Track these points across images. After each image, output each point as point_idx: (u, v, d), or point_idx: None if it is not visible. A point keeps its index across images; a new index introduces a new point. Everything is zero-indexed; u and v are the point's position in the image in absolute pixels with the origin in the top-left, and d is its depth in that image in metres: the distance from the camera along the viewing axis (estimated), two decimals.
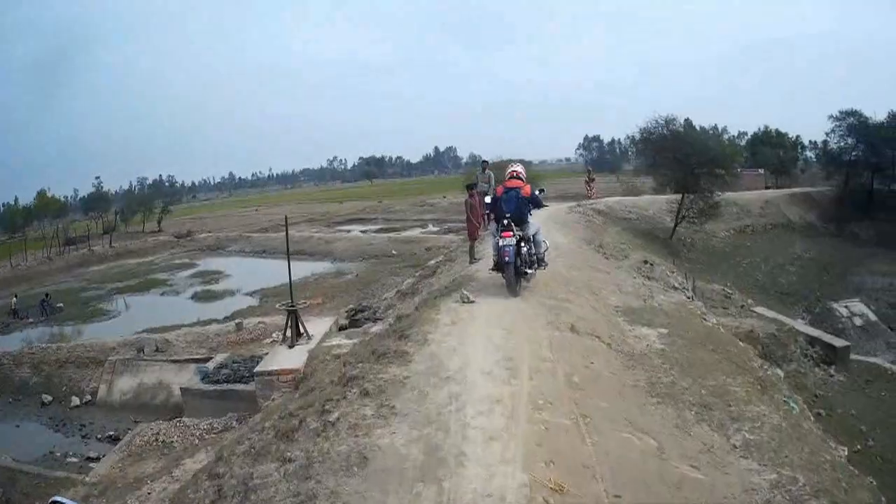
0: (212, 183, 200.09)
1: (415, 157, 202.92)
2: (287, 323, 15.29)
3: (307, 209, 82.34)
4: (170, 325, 24.82)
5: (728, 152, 30.21)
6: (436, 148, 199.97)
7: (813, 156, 53.98)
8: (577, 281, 13.52)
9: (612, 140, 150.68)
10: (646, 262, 19.28)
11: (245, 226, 65.52)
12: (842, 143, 39.71)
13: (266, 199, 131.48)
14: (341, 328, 17.53)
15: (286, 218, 16.72)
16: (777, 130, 56.42)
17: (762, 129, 58.29)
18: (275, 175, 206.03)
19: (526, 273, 11.06)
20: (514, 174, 11.27)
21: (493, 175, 18.33)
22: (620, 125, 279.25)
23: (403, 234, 48.18)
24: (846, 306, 23.90)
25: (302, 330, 15.28)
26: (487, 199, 11.87)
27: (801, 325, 19.18)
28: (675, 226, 28.29)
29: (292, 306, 15.26)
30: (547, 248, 11.75)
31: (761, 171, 50.69)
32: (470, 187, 16.84)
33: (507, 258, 10.53)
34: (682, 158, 27.57)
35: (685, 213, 27.95)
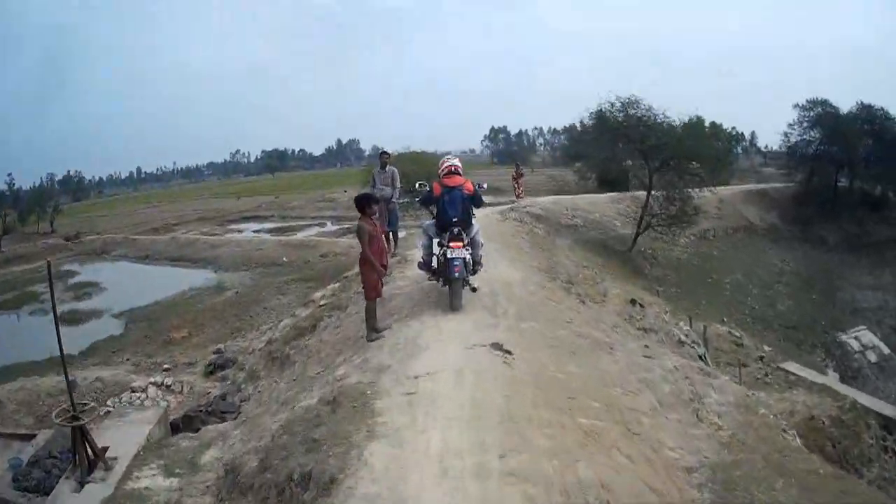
0: (120, 178, 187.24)
1: (318, 150, 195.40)
2: (74, 444, 8.24)
3: (204, 205, 75.09)
4: (12, 366, 18.82)
5: (709, 144, 25.21)
6: (338, 140, 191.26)
7: (760, 154, 49.26)
8: (582, 391, 6.62)
9: (520, 131, 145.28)
10: (633, 301, 13.59)
11: (136, 225, 58.66)
12: (806, 136, 35.16)
13: (167, 194, 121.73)
14: (174, 427, 10.33)
15: (49, 265, 8.70)
16: (712, 122, 49.57)
17: (693, 118, 51.51)
18: (179, 169, 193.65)
19: (473, 288, 9.74)
20: (453, 168, 9.52)
21: (396, 172, 13.96)
22: (529, 117, 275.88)
23: (298, 237, 42.10)
24: (856, 337, 21.16)
25: (93, 453, 8.20)
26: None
27: (864, 399, 14.51)
28: (637, 235, 21.82)
29: (76, 417, 8.06)
30: (482, 245, 9.87)
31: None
32: (364, 202, 8.76)
33: (456, 273, 8.91)
34: (647, 150, 21.20)
35: (650, 220, 21.41)
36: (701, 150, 21.98)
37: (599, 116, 22.82)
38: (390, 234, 13.58)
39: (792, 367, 16.34)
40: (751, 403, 8.76)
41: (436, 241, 9.33)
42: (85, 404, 9.33)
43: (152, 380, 13.82)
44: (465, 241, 9.08)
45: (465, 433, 5.23)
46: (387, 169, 13.60)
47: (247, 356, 14.19)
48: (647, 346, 9.60)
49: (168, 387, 13.60)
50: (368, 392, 6.15)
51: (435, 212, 9.40)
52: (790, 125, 35.73)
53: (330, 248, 32.76)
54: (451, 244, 8.99)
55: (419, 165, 24.76)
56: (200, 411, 10.88)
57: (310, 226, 48.87)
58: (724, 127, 49.30)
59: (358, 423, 5.52)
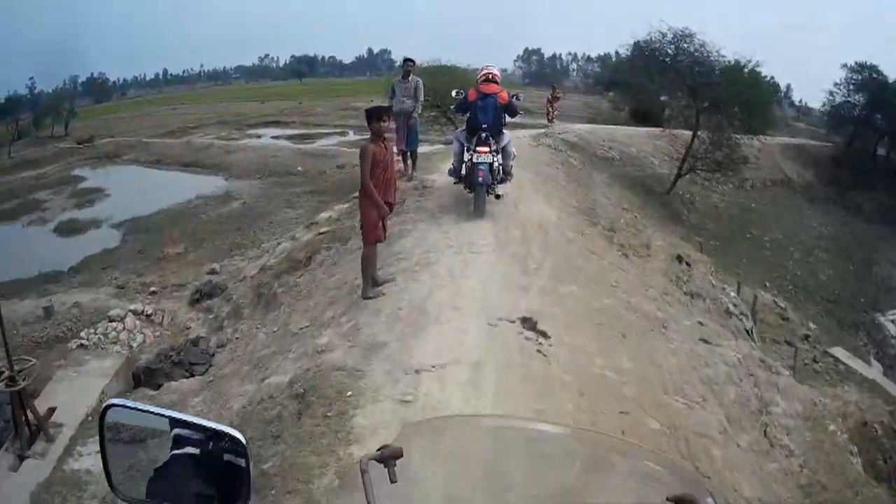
0: (145, 80, 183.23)
1: (348, 58, 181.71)
2: (13, 411, 7.22)
3: (226, 109, 71.57)
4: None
5: (765, 90, 22.20)
6: (369, 49, 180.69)
7: (793, 108, 46.48)
8: (638, 401, 4.98)
9: (554, 55, 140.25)
10: (679, 258, 11.92)
11: (154, 128, 54.97)
12: (851, 99, 32.80)
13: (192, 96, 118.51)
14: (136, 378, 9.71)
15: None
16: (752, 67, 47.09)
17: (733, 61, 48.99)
18: (206, 72, 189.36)
19: (497, 195, 9.40)
20: (490, 76, 9.36)
21: (420, 83, 12.10)
22: (563, 40, 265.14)
23: (317, 144, 39.88)
24: (892, 320, 19.27)
25: (34, 421, 7.24)
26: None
27: None
28: (678, 177, 19.73)
29: (13, 379, 6.96)
30: (514, 156, 9.68)
31: None
32: (373, 115, 6.62)
33: (480, 178, 8.86)
34: (696, 88, 19.05)
35: (693, 163, 19.35)
36: (751, 95, 19.56)
37: (647, 46, 20.45)
38: (408, 153, 12.00)
39: (840, 353, 15.28)
40: (818, 415, 7.97)
41: (466, 147, 9.24)
42: (27, 360, 7.79)
43: (132, 307, 12.08)
44: (493, 147, 9.03)
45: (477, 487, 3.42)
46: (410, 79, 11.81)
47: (237, 284, 12.61)
48: (701, 324, 7.98)
49: (148, 316, 11.92)
50: (350, 391, 4.44)
51: (467, 118, 9.35)
52: (836, 84, 33.39)
53: (348, 159, 29.58)
54: (478, 149, 8.97)
55: (449, 78, 22.67)
56: (169, 357, 9.45)
57: (331, 134, 46.73)
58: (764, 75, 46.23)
59: (324, 452, 3.85)
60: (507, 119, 9.41)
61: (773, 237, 20.76)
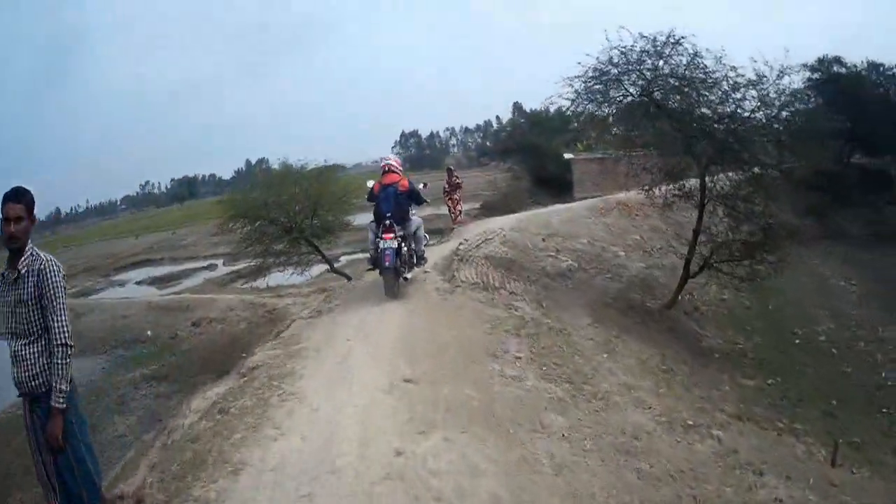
0: (40, 221, 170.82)
1: (227, 174, 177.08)
2: None
3: (99, 250, 63.36)
4: None
5: None
6: (247, 161, 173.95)
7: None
8: None
9: (431, 134, 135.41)
10: None
11: None
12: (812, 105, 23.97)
13: (81, 236, 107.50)
14: None
15: None
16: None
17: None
18: (93, 207, 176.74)
19: (405, 277, 9.58)
20: (388, 168, 10.00)
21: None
22: (439, 118, 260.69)
23: (182, 285, 33.64)
24: None
25: None
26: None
27: None
28: (685, 281, 11.89)
29: None
30: (427, 241, 10.56)
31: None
32: None
33: (387, 263, 9.23)
34: (702, 131, 10.85)
35: (709, 255, 11.50)
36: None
37: (603, 75, 10.97)
38: None
39: None
40: None
41: (375, 235, 9.61)
42: None
43: None
44: (398, 233, 9.33)
45: None
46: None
47: None
48: None
49: None
50: None
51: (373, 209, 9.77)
52: (794, 94, 26.00)
53: (205, 312, 22.33)
54: (383, 235, 9.34)
55: (334, 184, 17.19)
56: None
57: (198, 270, 39.60)
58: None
59: None
60: (415, 206, 9.88)
61: (822, 327, 13.55)
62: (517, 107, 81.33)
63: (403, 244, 9.43)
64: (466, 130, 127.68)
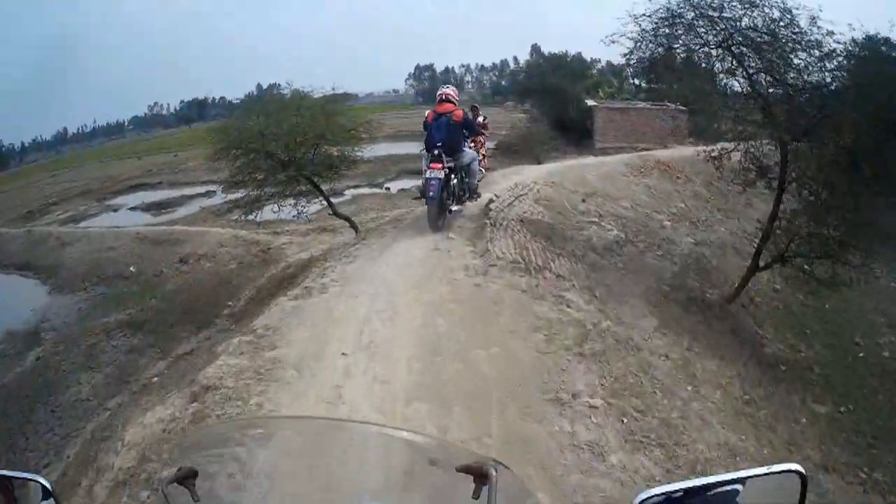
0: (42, 142, 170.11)
1: (238, 97, 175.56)
2: None
3: (98, 171, 59.55)
4: None
5: None
6: (258, 85, 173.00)
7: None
8: None
9: (446, 69, 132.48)
10: None
11: (16, 207, 41.86)
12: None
13: (87, 156, 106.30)
14: None
15: None
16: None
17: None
18: (100, 127, 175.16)
19: (450, 209, 9.31)
20: (445, 97, 9.67)
21: None
22: (455, 54, 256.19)
23: (177, 214, 32.56)
24: None
25: None
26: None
27: None
28: (748, 276, 9.72)
29: None
30: (483, 175, 10.41)
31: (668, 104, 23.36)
32: None
33: (431, 192, 8.88)
34: (790, 96, 8.76)
35: (785, 246, 9.04)
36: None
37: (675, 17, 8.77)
38: None
39: None
40: None
41: (424, 168, 9.42)
42: None
43: None
44: (446, 164, 8.98)
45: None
46: None
47: None
48: None
49: None
50: None
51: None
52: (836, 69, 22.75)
53: (194, 248, 20.86)
54: (431, 165, 9.07)
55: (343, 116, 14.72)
56: None
57: (195, 196, 36.36)
58: None
59: None
60: (468, 136, 9.89)
61: (887, 339, 11.27)
62: (535, 49, 78.09)
63: (453, 176, 9.27)
64: (482, 68, 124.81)
